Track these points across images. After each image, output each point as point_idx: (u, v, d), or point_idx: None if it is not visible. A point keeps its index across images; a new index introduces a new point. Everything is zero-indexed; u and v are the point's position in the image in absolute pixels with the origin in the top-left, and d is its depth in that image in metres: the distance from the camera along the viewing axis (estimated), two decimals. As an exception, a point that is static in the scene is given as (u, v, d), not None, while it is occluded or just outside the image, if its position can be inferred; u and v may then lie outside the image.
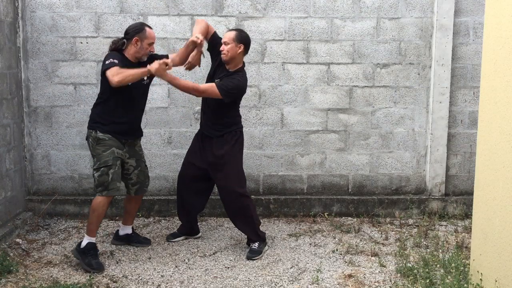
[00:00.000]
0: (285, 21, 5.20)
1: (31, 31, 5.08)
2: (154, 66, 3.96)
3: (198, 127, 5.21)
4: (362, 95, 5.32)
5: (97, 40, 5.14)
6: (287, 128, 5.33)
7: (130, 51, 4.12)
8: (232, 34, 4.20)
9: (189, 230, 4.71)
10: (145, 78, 4.19)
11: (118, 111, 4.11)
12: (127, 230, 4.56)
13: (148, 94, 5.19)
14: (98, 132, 4.08)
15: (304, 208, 5.34)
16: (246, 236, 4.51)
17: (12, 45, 4.91)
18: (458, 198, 5.41)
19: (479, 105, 3.46)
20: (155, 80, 5.18)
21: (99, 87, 5.07)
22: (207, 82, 4.39)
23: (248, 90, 5.19)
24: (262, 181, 5.39)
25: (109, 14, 5.11)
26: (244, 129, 4.60)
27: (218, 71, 4.31)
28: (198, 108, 5.13)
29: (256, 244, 4.38)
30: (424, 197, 5.40)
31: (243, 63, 4.33)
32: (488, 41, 3.34)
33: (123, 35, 4.18)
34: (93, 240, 4.09)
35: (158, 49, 5.14)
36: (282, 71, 5.25)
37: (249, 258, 4.28)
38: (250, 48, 5.15)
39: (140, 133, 4.40)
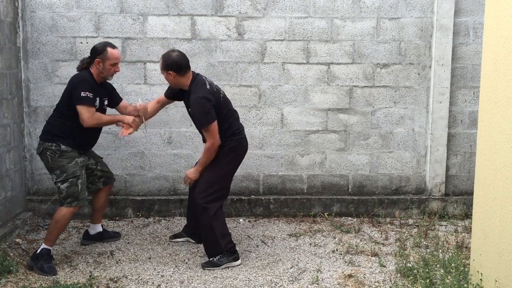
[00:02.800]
0: (285, 21, 5.20)
1: (31, 31, 5.08)
2: (128, 120, 4.20)
3: (198, 127, 5.24)
4: (362, 95, 5.32)
5: (97, 40, 5.12)
6: (287, 128, 5.33)
7: (94, 71, 4.13)
8: (159, 64, 4.12)
9: (192, 232, 4.63)
10: (106, 103, 4.27)
11: (83, 130, 4.08)
12: (98, 228, 4.60)
13: (149, 94, 5.22)
14: (61, 145, 4.04)
15: (304, 208, 5.34)
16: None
17: (12, 45, 4.91)
18: (458, 198, 5.41)
19: (479, 105, 3.46)
20: (155, 80, 5.20)
21: (99, 87, 5.12)
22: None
23: (248, 90, 5.21)
24: (262, 181, 5.39)
25: (109, 14, 5.11)
26: (244, 129, 4.39)
27: (185, 96, 4.24)
28: None
29: (217, 257, 4.11)
30: (424, 197, 5.40)
31: (191, 75, 4.13)
32: (488, 41, 3.34)
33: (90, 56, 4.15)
34: (50, 248, 4.07)
35: (158, 49, 5.15)
36: (282, 71, 5.25)
37: (202, 266, 4.10)
38: (250, 48, 5.19)
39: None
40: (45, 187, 5.28)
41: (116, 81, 5.16)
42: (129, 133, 4.25)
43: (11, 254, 4.26)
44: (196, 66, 5.17)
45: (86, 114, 3.98)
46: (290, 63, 5.25)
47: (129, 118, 4.22)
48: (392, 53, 5.27)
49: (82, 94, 3.97)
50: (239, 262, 4.18)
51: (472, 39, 5.26)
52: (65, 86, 5.12)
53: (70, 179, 4.02)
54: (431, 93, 5.28)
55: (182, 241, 4.66)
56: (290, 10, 5.18)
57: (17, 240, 4.60)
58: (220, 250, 4.11)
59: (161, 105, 4.56)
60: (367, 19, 5.22)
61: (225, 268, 4.09)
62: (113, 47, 4.15)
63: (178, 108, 5.22)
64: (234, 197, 5.26)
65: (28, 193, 5.25)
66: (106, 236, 4.63)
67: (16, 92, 5.01)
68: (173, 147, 5.30)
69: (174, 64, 4.03)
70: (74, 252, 4.39)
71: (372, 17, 5.22)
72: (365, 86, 5.32)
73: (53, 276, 3.90)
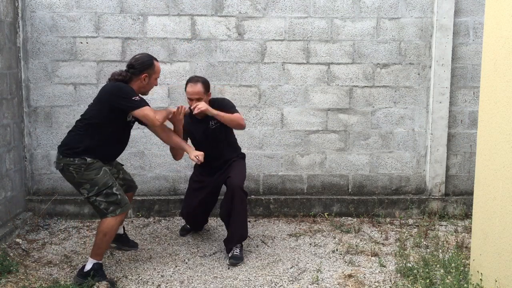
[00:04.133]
0: (285, 21, 5.20)
1: (31, 31, 5.08)
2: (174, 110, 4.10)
3: (198, 127, 5.24)
4: (362, 95, 5.32)
5: (97, 40, 5.14)
6: (287, 128, 5.33)
7: (134, 86, 3.84)
8: (201, 88, 4.20)
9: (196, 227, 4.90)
10: (134, 121, 4.03)
11: (111, 143, 3.87)
12: (119, 230, 4.44)
13: (149, 94, 5.21)
14: (86, 158, 3.73)
15: (304, 208, 5.34)
16: (249, 235, 4.52)
17: (12, 45, 4.91)
18: (458, 198, 5.41)
19: (479, 105, 3.46)
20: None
21: (99, 87, 5.12)
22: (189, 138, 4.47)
23: (248, 90, 5.21)
24: (262, 181, 5.39)
25: (109, 14, 5.11)
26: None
27: (199, 123, 4.36)
28: None
29: (238, 250, 4.24)
30: (424, 197, 5.40)
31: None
32: (488, 41, 3.34)
33: (126, 68, 3.88)
34: (100, 262, 3.81)
35: (158, 49, 5.15)
36: (282, 71, 5.25)
37: (232, 264, 4.16)
38: (250, 48, 5.19)
39: None
40: (45, 187, 5.28)
41: (116, 81, 5.17)
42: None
43: (11, 254, 4.26)
44: (196, 66, 5.18)
45: (152, 113, 3.72)
46: (290, 63, 5.25)
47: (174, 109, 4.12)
48: (392, 53, 5.27)
49: (134, 98, 3.70)
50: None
51: (472, 39, 5.26)
52: (65, 86, 5.18)
53: (105, 191, 3.73)
54: (431, 93, 5.28)
55: (191, 234, 4.86)
56: (290, 10, 5.18)
57: (17, 240, 4.60)
58: (246, 235, 4.38)
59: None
60: (367, 19, 5.22)
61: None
62: (156, 60, 3.96)
63: (178, 108, 5.21)
64: (234, 197, 5.27)
65: (28, 193, 5.25)
66: (124, 242, 4.43)
67: (16, 92, 5.01)
68: (173, 147, 5.30)
69: (208, 82, 4.36)
70: (74, 252, 4.39)
71: (372, 17, 5.22)
72: (365, 86, 5.32)
73: None
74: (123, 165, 4.45)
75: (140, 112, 3.71)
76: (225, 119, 4.23)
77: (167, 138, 4.15)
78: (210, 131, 4.37)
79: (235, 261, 4.17)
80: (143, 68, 3.85)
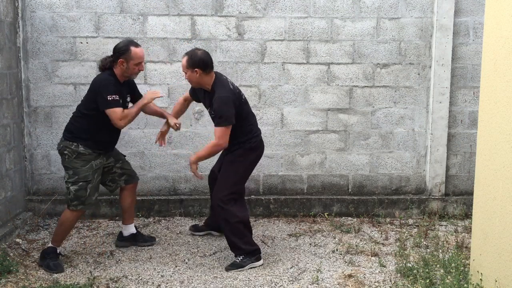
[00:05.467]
0: (285, 21, 5.20)
1: (31, 31, 5.08)
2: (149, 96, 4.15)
3: (198, 126, 5.24)
4: (362, 95, 5.32)
5: (97, 40, 5.14)
6: (287, 128, 5.33)
7: (117, 71, 4.05)
8: (184, 61, 4.00)
9: (216, 225, 4.72)
10: (128, 100, 4.21)
11: (102, 131, 4.05)
12: (131, 229, 4.51)
13: (148, 94, 5.21)
14: (80, 146, 4.00)
15: (304, 208, 5.34)
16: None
17: (12, 45, 4.91)
18: (458, 198, 5.41)
19: (479, 105, 3.46)
20: (155, 80, 5.20)
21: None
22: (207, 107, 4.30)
23: (248, 90, 5.21)
24: (262, 181, 5.39)
25: (109, 14, 5.11)
26: (261, 133, 4.37)
27: (205, 96, 4.21)
28: (198, 108, 5.13)
29: (240, 258, 4.12)
30: (424, 197, 5.40)
31: (214, 74, 4.09)
32: (488, 41, 3.34)
33: (113, 56, 4.05)
34: (56, 247, 4.13)
35: (158, 49, 5.15)
36: (282, 71, 5.25)
37: (226, 269, 4.08)
38: (250, 48, 5.19)
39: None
40: (45, 187, 5.28)
41: (116, 81, 5.17)
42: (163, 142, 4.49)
43: (11, 254, 4.26)
44: (196, 66, 5.17)
45: (117, 116, 3.92)
46: (290, 63, 5.25)
47: (150, 95, 4.17)
48: (392, 53, 5.27)
49: (109, 98, 3.90)
50: (261, 262, 4.16)
51: (472, 39, 5.26)
52: (65, 86, 5.18)
53: (80, 183, 3.99)
54: (431, 93, 5.28)
55: (202, 235, 4.77)
56: (290, 10, 5.18)
57: (17, 240, 4.60)
58: (248, 251, 4.11)
59: (188, 103, 4.55)
60: (367, 19, 5.22)
61: (249, 269, 4.08)
62: (136, 45, 4.04)
63: (178, 108, 5.21)
64: (234, 197, 5.26)
65: (28, 193, 5.25)
66: (140, 239, 4.53)
67: (16, 92, 5.01)
68: (173, 147, 5.30)
69: (201, 61, 3.96)
70: (74, 252, 4.39)
71: (372, 17, 5.22)
72: (365, 86, 5.32)
73: (58, 274, 3.93)
74: (125, 155, 4.50)
75: (108, 112, 3.93)
76: (204, 157, 4.14)
77: (130, 121, 4.12)
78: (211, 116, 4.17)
79: (230, 267, 4.08)
80: (119, 54, 3.99)
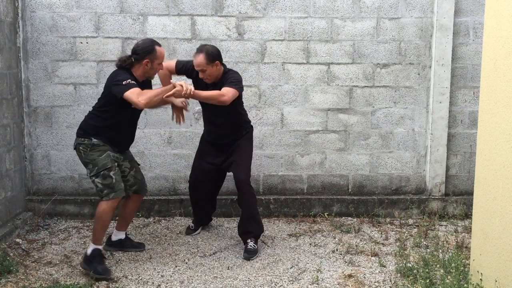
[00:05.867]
0: (285, 21, 5.20)
1: (31, 31, 5.08)
2: (180, 87, 3.91)
3: (198, 127, 5.23)
4: (362, 95, 5.32)
5: (97, 40, 5.14)
6: (287, 128, 5.33)
7: (138, 71, 3.97)
8: (201, 59, 4.10)
9: (205, 219, 4.92)
10: None
11: (117, 130, 4.02)
12: (120, 235, 4.43)
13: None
14: (92, 139, 3.95)
15: (304, 208, 5.34)
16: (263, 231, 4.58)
17: (12, 45, 4.91)
18: (458, 198, 5.41)
19: (479, 105, 3.46)
20: (155, 80, 5.18)
21: (99, 87, 5.12)
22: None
23: (248, 90, 5.21)
24: (262, 181, 5.39)
25: (109, 14, 5.11)
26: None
27: (200, 83, 4.28)
28: (198, 108, 5.13)
29: (252, 242, 4.36)
30: (424, 197, 5.40)
31: (223, 65, 4.34)
32: (488, 41, 3.34)
33: (130, 54, 4.00)
34: (99, 247, 3.97)
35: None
36: (282, 71, 5.25)
37: (247, 258, 4.27)
38: (250, 48, 5.20)
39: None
40: (45, 187, 5.28)
41: (116, 81, 5.17)
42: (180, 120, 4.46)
43: (11, 254, 4.26)
44: (196, 66, 5.17)
45: (135, 95, 3.74)
46: (290, 63, 5.25)
47: (180, 86, 3.99)
48: (392, 53, 5.27)
49: (124, 82, 3.78)
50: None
51: (472, 39, 5.26)
52: (65, 86, 5.18)
53: (102, 172, 3.90)
54: (431, 93, 5.28)
55: (198, 233, 4.87)
56: (290, 10, 5.18)
57: (17, 240, 4.60)
58: (262, 229, 4.49)
59: (170, 75, 4.55)
60: (367, 19, 5.22)
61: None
62: (159, 44, 4.02)
63: (178, 108, 5.21)
64: (234, 197, 5.25)
65: (28, 193, 5.25)
66: (127, 245, 4.43)
67: (16, 92, 5.01)
68: (173, 147, 5.30)
69: (218, 53, 4.21)
70: (74, 252, 4.39)
71: (372, 17, 5.22)
72: (365, 86, 5.32)
73: (108, 277, 3.83)
74: (139, 164, 4.48)
75: (126, 95, 3.77)
76: (202, 97, 4.11)
77: (151, 101, 3.93)
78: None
79: (249, 255, 4.28)
80: (144, 54, 3.94)
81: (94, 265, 3.87)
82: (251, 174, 4.55)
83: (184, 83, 3.93)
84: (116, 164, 4.04)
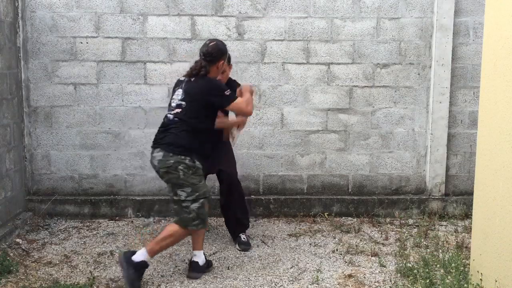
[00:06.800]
0: (285, 21, 5.20)
1: (31, 31, 5.08)
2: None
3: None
4: (362, 95, 5.32)
5: (97, 40, 5.14)
6: (287, 128, 5.32)
7: (213, 74, 3.87)
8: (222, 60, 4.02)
9: None
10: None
11: (208, 142, 3.84)
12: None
13: (149, 94, 5.22)
14: (195, 161, 3.70)
15: (304, 208, 5.34)
16: (249, 235, 4.58)
17: (12, 45, 4.91)
18: (458, 198, 5.41)
19: (479, 105, 3.46)
20: (155, 80, 5.20)
21: (99, 87, 5.14)
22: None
23: (248, 90, 5.20)
24: (262, 181, 5.39)
25: (109, 14, 5.11)
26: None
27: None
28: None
29: (245, 236, 4.55)
30: (424, 197, 5.40)
31: None
32: (488, 41, 3.34)
33: (203, 56, 3.84)
34: (149, 260, 3.71)
35: (158, 49, 5.15)
36: (282, 71, 5.25)
37: (244, 250, 4.44)
38: (250, 48, 5.20)
39: None
40: (45, 187, 5.28)
41: (116, 81, 5.18)
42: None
43: (11, 254, 4.26)
44: (196, 66, 5.17)
45: (243, 104, 3.79)
46: (290, 63, 5.25)
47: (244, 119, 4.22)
48: (392, 53, 5.27)
49: (226, 93, 3.77)
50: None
51: (472, 39, 5.26)
52: (65, 86, 5.17)
53: (201, 200, 3.70)
54: (431, 93, 5.28)
55: None
56: (290, 10, 5.18)
57: (17, 240, 4.60)
58: (245, 227, 4.62)
59: None
60: (367, 19, 5.22)
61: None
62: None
63: (178, 108, 5.21)
64: (234, 197, 5.26)
65: (28, 193, 5.24)
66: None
67: (16, 92, 5.01)
68: (173, 147, 5.29)
69: (221, 48, 4.03)
70: (74, 252, 4.39)
71: (372, 17, 5.22)
72: (365, 86, 5.32)
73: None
74: None
75: (233, 105, 3.80)
76: (229, 125, 4.26)
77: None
78: None
79: (246, 246, 4.45)
80: (220, 55, 3.88)
81: (133, 271, 3.58)
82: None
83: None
84: None
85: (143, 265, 3.65)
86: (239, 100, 3.82)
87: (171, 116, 3.79)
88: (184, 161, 3.66)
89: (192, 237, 3.92)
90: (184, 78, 3.90)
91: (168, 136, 3.73)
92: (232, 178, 4.46)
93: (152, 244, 3.72)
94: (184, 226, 3.72)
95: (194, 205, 3.68)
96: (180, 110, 3.76)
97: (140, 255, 3.64)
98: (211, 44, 3.90)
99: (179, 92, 3.83)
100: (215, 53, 3.84)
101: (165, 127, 3.80)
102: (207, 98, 3.74)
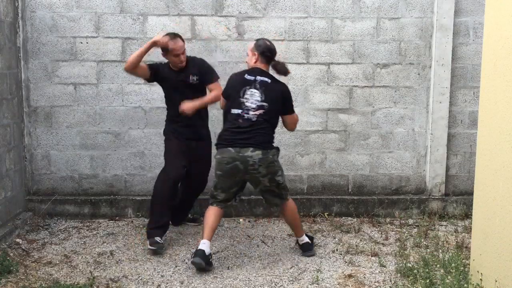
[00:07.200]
0: (285, 21, 5.20)
1: (31, 31, 5.08)
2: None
3: (198, 127, 5.23)
4: (362, 95, 5.32)
5: (97, 40, 5.14)
6: (287, 128, 5.32)
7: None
8: (182, 42, 4.59)
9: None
10: None
11: None
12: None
13: (149, 94, 5.22)
14: (278, 148, 4.33)
15: (304, 208, 5.34)
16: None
17: (12, 45, 4.91)
18: (458, 198, 5.41)
19: (479, 105, 3.46)
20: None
21: (99, 87, 5.15)
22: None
23: (248, 90, 5.20)
24: (262, 181, 5.38)
25: (109, 14, 5.11)
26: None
27: (171, 76, 4.66)
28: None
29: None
30: (424, 197, 5.40)
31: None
32: (488, 41, 3.34)
33: (271, 55, 4.33)
34: (309, 240, 4.42)
35: (158, 49, 5.13)
36: (282, 71, 5.24)
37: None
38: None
39: None
40: (45, 187, 5.28)
41: (116, 81, 5.18)
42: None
43: (11, 254, 4.26)
44: (196, 66, 5.17)
45: (296, 117, 4.49)
46: (290, 63, 5.24)
47: None
48: (392, 53, 5.27)
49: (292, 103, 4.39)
50: None
51: (472, 39, 5.26)
52: (65, 86, 5.17)
53: (283, 174, 4.35)
54: (431, 93, 5.28)
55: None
56: (290, 10, 5.18)
57: (17, 240, 4.60)
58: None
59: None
60: (367, 19, 5.22)
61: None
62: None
63: (178, 108, 5.21)
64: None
65: (28, 193, 5.25)
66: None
67: (16, 92, 5.01)
68: (173, 147, 5.29)
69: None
70: (74, 252, 4.39)
71: (372, 17, 5.22)
72: (365, 86, 5.32)
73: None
74: None
75: (294, 115, 4.42)
76: (208, 101, 4.65)
77: None
78: (186, 85, 4.58)
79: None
80: (275, 52, 4.35)
81: (313, 248, 4.41)
82: None
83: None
84: None
85: (308, 246, 4.41)
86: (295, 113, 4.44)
87: (253, 118, 4.11)
88: (275, 153, 4.25)
89: (293, 226, 4.39)
90: (252, 77, 4.19)
91: (259, 136, 4.13)
92: (202, 182, 4.87)
93: (296, 229, 4.37)
94: (284, 201, 4.30)
95: (283, 180, 4.31)
96: (263, 111, 4.12)
97: (305, 238, 4.40)
98: (267, 44, 4.33)
99: (254, 92, 4.13)
100: (273, 52, 4.34)
101: (248, 127, 4.11)
102: (284, 103, 4.26)
